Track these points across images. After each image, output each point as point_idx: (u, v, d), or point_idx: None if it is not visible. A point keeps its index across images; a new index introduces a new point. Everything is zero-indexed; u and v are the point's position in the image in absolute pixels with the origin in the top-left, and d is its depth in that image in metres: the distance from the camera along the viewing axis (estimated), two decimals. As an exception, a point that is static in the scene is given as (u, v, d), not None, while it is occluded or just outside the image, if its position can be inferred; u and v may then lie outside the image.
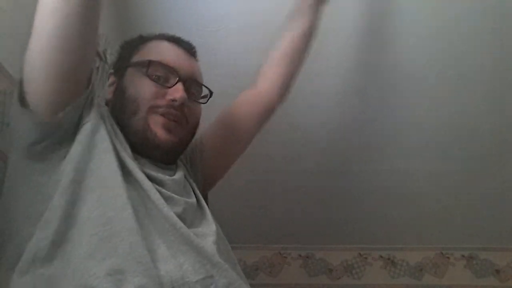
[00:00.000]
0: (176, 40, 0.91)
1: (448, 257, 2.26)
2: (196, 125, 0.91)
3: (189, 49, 0.92)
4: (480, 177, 1.97)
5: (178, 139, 0.85)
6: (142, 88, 0.82)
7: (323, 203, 2.07)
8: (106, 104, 0.93)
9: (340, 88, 1.73)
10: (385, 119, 1.85)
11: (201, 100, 0.91)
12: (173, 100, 0.81)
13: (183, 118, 0.84)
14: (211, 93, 0.93)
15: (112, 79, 0.91)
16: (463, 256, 2.25)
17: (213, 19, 1.64)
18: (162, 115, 0.81)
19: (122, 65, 0.90)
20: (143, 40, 0.92)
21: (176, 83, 0.82)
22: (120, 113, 0.84)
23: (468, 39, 1.66)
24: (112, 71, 0.93)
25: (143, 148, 0.82)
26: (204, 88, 0.94)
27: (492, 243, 2.20)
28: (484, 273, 2.23)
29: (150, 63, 0.82)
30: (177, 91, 0.81)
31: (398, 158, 1.94)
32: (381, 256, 2.28)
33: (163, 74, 0.83)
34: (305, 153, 1.88)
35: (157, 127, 0.81)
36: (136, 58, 0.88)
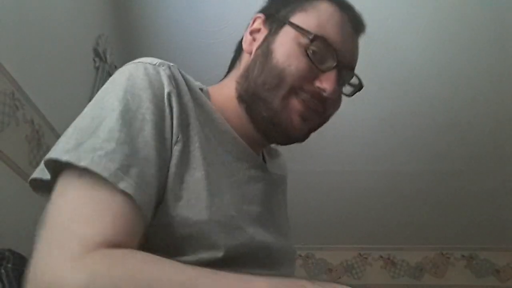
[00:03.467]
0: (348, 11, 0.76)
1: (448, 257, 2.26)
2: (330, 117, 0.77)
3: (358, 27, 0.77)
4: (480, 177, 1.97)
5: (308, 129, 0.75)
6: (294, 61, 0.70)
7: (323, 203, 2.07)
8: (237, 53, 0.80)
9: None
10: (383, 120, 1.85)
11: (347, 91, 0.78)
12: (321, 90, 0.70)
13: (323, 108, 0.73)
14: (360, 86, 0.78)
15: (261, 26, 0.76)
16: (463, 256, 2.25)
17: (214, 19, 1.64)
18: (303, 100, 0.70)
19: (279, 17, 0.75)
20: None
21: (332, 69, 0.71)
22: (257, 77, 0.72)
23: (468, 39, 1.66)
24: (263, 15, 0.77)
25: (265, 125, 0.72)
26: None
27: (492, 243, 2.20)
28: (484, 273, 2.23)
29: (315, 38, 0.70)
30: (329, 81, 0.70)
31: (398, 158, 1.95)
32: (381, 256, 2.28)
33: (321, 52, 0.71)
34: (309, 152, 1.89)
35: (294, 114, 0.71)
36: (299, 17, 0.74)
